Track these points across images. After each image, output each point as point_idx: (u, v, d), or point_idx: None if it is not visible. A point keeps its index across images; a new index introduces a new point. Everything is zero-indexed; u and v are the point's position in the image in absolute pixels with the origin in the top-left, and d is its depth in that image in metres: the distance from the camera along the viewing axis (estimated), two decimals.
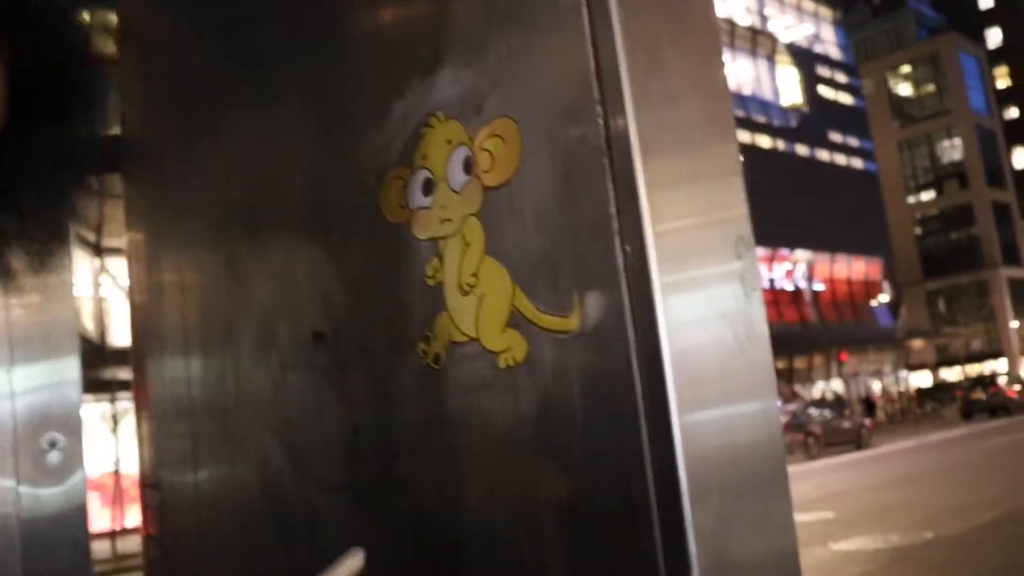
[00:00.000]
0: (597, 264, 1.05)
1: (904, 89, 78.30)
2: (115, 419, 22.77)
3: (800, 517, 1.07)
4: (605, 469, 1.04)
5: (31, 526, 1.37)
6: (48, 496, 1.39)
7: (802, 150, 55.05)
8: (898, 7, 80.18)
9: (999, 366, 67.18)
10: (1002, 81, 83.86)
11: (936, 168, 76.10)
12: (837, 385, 51.08)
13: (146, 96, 1.83)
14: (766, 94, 53.49)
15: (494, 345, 1.15)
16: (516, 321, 1.13)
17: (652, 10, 1.11)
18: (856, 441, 30.52)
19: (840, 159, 59.02)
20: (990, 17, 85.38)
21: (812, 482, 18.50)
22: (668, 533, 0.97)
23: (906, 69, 77.97)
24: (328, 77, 1.42)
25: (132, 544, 16.27)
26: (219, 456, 1.60)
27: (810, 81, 57.71)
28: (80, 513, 1.42)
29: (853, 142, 60.62)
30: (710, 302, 1.08)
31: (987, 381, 47.94)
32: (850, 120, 60.68)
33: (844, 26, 65.11)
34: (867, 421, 33.77)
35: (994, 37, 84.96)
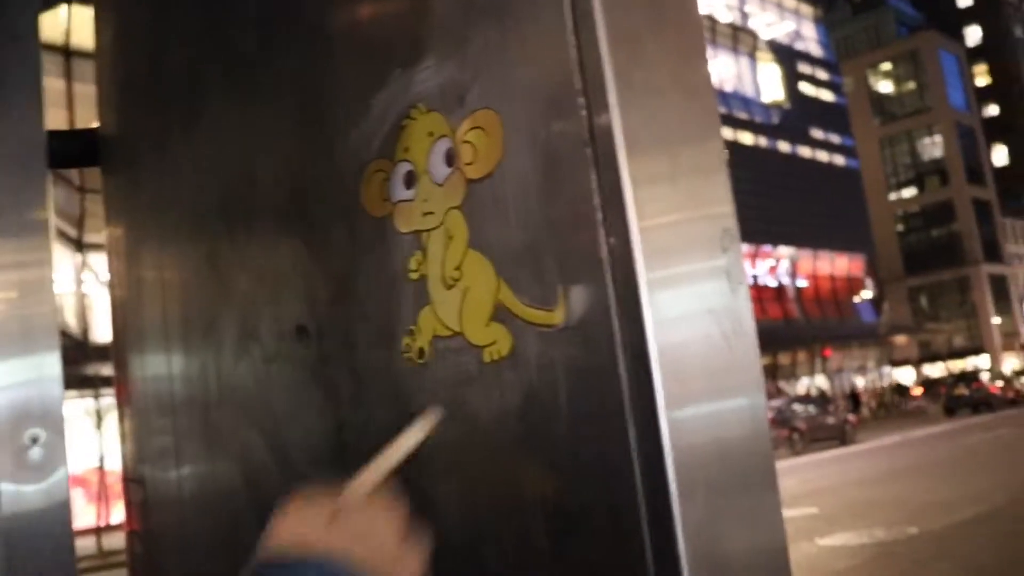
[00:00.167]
0: (582, 257, 1.04)
1: (885, 86, 78.74)
2: (99, 415, 22.72)
3: (785, 513, 1.07)
4: (591, 464, 1.03)
5: (13, 523, 1.36)
6: (30, 493, 1.38)
7: (784, 147, 55.30)
8: (878, 5, 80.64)
9: (981, 362, 67.60)
10: (981, 79, 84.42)
11: (917, 165, 76.55)
12: (821, 381, 51.32)
13: (125, 90, 1.82)
14: (748, 91, 53.72)
15: (479, 339, 1.14)
16: (501, 315, 1.12)
17: (635, 4, 1.10)
18: (840, 437, 30.70)
19: (822, 156, 59.30)
20: (969, 15, 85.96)
21: (796, 478, 18.58)
22: (656, 529, 0.97)
23: (886, 66, 78.39)
24: (308, 69, 1.41)
25: (117, 540, 16.24)
26: (202, 451, 1.59)
27: (791, 78, 57.96)
28: (63, 509, 1.41)
29: (835, 139, 60.92)
30: (696, 297, 1.07)
31: (970, 377, 48.16)
32: (831, 117, 60.98)
33: (825, 23, 65.42)
34: (851, 417, 33.92)
35: (973, 35, 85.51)
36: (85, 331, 23.79)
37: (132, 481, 1.72)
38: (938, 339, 69.93)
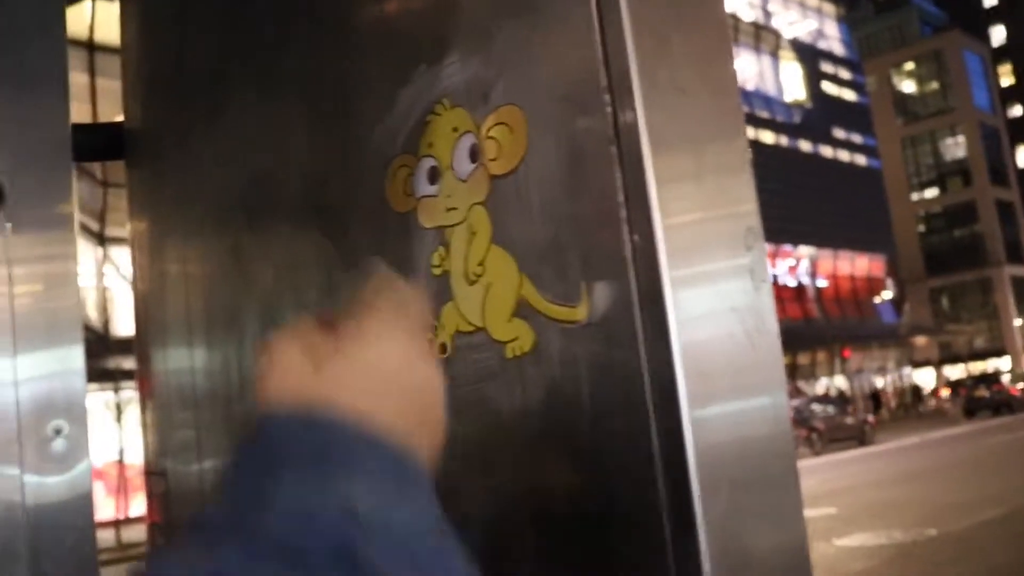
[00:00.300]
0: (605, 254, 1.04)
1: (908, 86, 78.34)
2: (119, 408, 22.84)
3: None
4: (614, 461, 1.03)
5: (36, 514, 1.37)
6: (53, 484, 1.39)
7: (805, 146, 55.11)
8: (902, 4, 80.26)
9: (1002, 364, 67.19)
10: (1006, 79, 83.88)
11: (940, 165, 76.15)
12: (840, 381, 51.13)
13: (150, 84, 1.83)
14: (769, 90, 53.54)
15: (501, 335, 1.14)
16: (523, 311, 1.12)
17: (661, 1, 1.10)
18: (859, 437, 30.59)
19: (843, 155, 59.07)
20: (994, 15, 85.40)
21: (815, 478, 18.52)
22: (678, 526, 0.97)
23: (910, 66, 78.01)
24: (332, 64, 1.41)
25: (137, 533, 16.35)
26: (224, 445, 1.59)
27: (813, 77, 57.76)
28: (85, 501, 1.41)
29: (856, 139, 60.67)
30: (720, 295, 1.07)
31: (990, 379, 47.91)
32: (853, 117, 60.72)
33: (848, 22, 65.15)
34: (870, 417, 33.80)
35: (998, 35, 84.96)
36: (105, 324, 23.91)
37: (154, 474, 1.73)
38: (959, 340, 69.60)
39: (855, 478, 19.05)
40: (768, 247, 1.23)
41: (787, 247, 48.81)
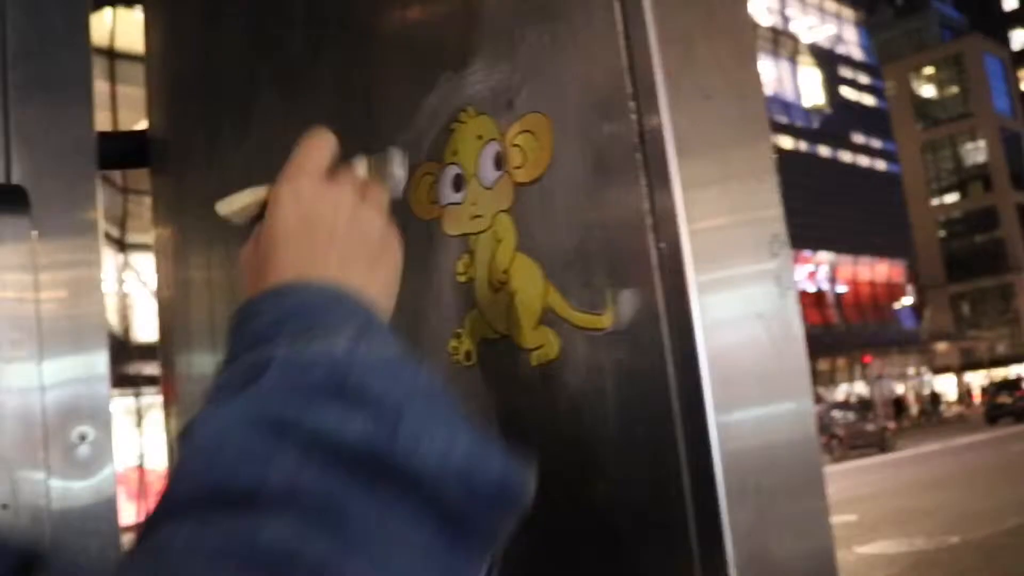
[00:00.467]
0: (631, 262, 1.04)
1: (927, 91, 78.01)
2: (139, 414, 22.94)
3: None
4: (640, 467, 1.03)
5: (61, 518, 1.37)
6: (78, 489, 1.40)
7: (824, 151, 54.92)
8: (921, 8, 79.86)
9: None
10: None
11: (960, 170, 75.77)
12: (861, 387, 50.91)
13: (174, 91, 1.84)
14: (788, 95, 53.42)
15: (526, 342, 1.14)
16: (548, 318, 1.12)
17: (686, 6, 1.10)
18: (880, 444, 30.45)
19: (863, 161, 58.85)
20: (1014, 19, 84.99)
21: (835, 485, 18.41)
22: (704, 533, 0.96)
23: (929, 71, 77.66)
24: (358, 71, 1.42)
25: None
26: None
27: (832, 82, 57.58)
28: (110, 506, 1.42)
29: (876, 144, 60.44)
30: (745, 301, 1.06)
31: (1013, 385, 47.58)
32: (873, 121, 60.50)
33: (866, 27, 64.94)
34: (890, 424, 33.64)
35: (1018, 38, 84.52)
36: (127, 330, 24.01)
37: None
38: (980, 346, 69.20)
39: (876, 485, 18.96)
40: None
41: (806, 253, 48.64)
